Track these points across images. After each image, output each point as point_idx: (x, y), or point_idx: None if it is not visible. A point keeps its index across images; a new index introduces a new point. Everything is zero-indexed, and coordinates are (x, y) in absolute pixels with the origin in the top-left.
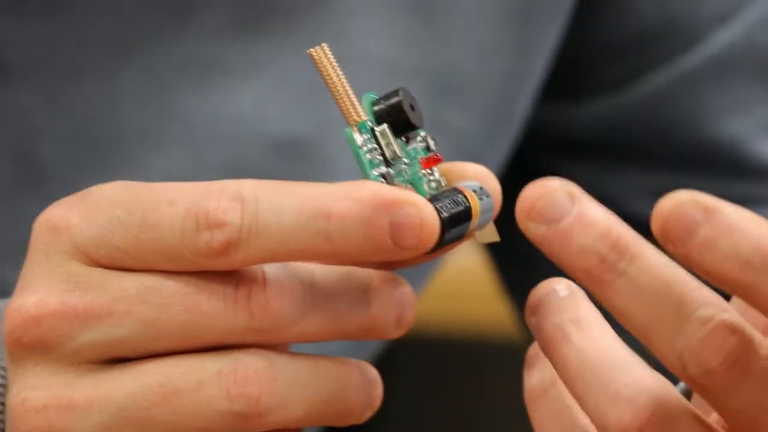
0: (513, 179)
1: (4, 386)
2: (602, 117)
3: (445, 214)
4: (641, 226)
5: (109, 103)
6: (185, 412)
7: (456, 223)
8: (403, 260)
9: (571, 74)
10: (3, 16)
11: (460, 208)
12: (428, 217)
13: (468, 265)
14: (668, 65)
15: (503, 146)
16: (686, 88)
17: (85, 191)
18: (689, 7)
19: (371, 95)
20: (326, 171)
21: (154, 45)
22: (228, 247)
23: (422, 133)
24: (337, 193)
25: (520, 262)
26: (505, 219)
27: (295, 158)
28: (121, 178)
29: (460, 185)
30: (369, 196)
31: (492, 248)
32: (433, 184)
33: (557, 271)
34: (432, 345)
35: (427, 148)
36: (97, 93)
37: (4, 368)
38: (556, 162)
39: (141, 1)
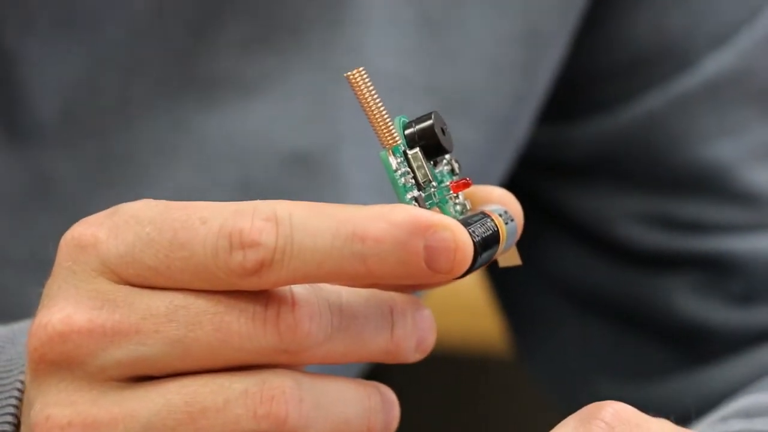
0: None
1: (17, 407)
2: (594, 139)
3: (478, 239)
4: (629, 249)
5: (122, 118)
6: None
7: (486, 248)
8: (430, 283)
9: (565, 95)
10: (19, 34)
11: (490, 232)
12: (463, 241)
13: (462, 280)
14: (661, 88)
15: (505, 164)
16: (678, 111)
17: (113, 209)
18: (685, 30)
19: (403, 119)
20: (337, 186)
21: (168, 61)
22: (261, 268)
23: (447, 157)
24: (372, 215)
25: (518, 283)
26: None
27: (306, 173)
28: (133, 194)
29: (486, 209)
30: (405, 220)
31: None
32: (458, 207)
33: (553, 292)
34: (426, 359)
35: (452, 172)
36: (111, 108)
37: (20, 390)
38: (547, 183)
39: (154, 17)
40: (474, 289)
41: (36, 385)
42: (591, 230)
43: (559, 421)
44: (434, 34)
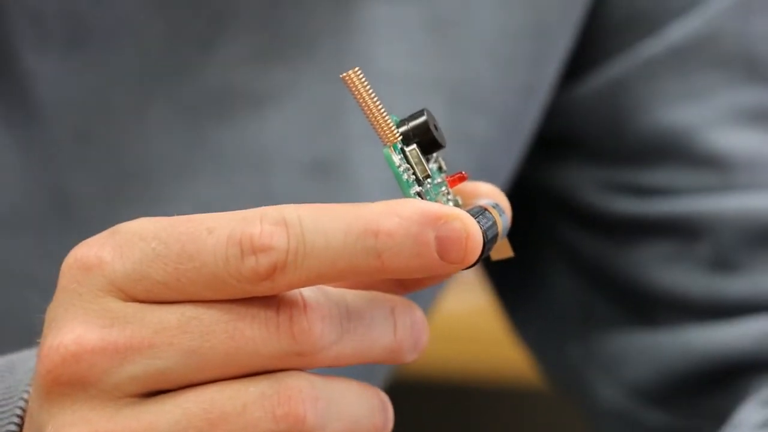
0: None
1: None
2: (559, 108)
3: (484, 228)
4: (600, 217)
5: (138, 135)
6: None
7: (490, 237)
8: (437, 277)
9: None
10: (33, 54)
11: (491, 223)
12: (473, 230)
13: (471, 307)
14: (626, 54)
15: (517, 156)
16: (643, 77)
17: (112, 229)
18: (656, 1)
19: (394, 117)
20: (355, 187)
21: (180, 77)
22: (274, 271)
23: (434, 154)
24: (382, 211)
25: (529, 302)
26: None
27: (324, 179)
28: (153, 211)
29: (482, 203)
30: (415, 212)
31: (500, 288)
32: (451, 203)
33: (565, 307)
34: (433, 387)
35: (440, 169)
36: (127, 126)
37: (20, 416)
38: None
39: (166, 34)
40: (482, 315)
41: (47, 408)
42: (564, 199)
43: None
44: (442, 32)
